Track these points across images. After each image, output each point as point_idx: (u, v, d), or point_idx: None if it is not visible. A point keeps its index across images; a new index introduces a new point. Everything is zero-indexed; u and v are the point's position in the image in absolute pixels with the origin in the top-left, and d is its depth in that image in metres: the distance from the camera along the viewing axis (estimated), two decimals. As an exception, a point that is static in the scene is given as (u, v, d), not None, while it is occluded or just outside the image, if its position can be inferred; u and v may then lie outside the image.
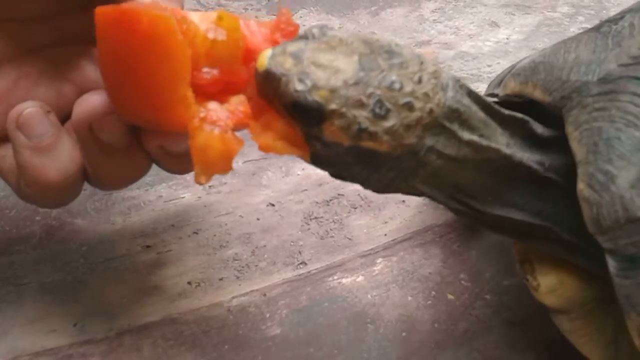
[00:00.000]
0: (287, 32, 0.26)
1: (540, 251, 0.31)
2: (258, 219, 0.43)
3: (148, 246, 0.40)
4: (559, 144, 0.28)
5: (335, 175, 0.27)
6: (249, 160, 0.48)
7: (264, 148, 0.25)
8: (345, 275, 0.39)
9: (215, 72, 0.25)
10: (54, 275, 0.38)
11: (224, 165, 0.24)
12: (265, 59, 0.24)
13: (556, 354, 0.35)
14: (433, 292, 0.38)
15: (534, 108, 0.30)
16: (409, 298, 0.37)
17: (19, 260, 0.39)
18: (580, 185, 0.25)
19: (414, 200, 0.44)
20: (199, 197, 0.44)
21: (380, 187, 0.27)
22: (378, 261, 0.40)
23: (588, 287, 0.30)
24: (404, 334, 0.36)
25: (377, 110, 0.24)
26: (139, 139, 0.28)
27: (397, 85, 0.24)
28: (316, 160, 0.26)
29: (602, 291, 0.29)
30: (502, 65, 0.57)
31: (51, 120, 0.28)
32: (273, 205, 0.44)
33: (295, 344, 0.35)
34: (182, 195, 0.44)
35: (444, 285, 0.38)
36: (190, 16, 0.25)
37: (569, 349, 0.32)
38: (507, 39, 0.63)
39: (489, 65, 0.58)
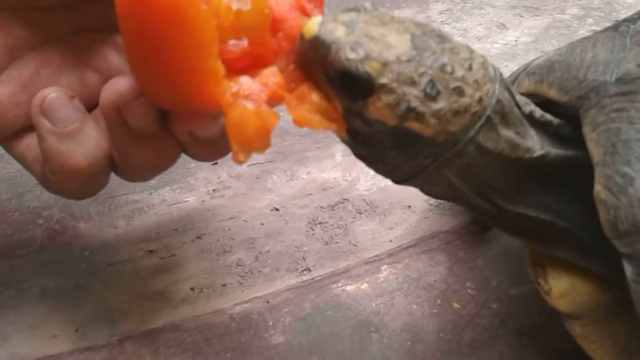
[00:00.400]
0: (316, 1, 0.25)
1: (553, 256, 0.30)
2: (262, 224, 0.42)
3: (151, 251, 0.40)
4: (575, 145, 0.27)
5: (365, 157, 0.26)
6: (254, 164, 0.47)
7: (299, 121, 0.24)
8: (350, 283, 0.38)
9: (243, 44, 0.23)
10: (56, 280, 0.38)
11: (261, 141, 0.23)
12: (314, 24, 0.23)
13: (564, 364, 0.34)
14: (438, 301, 0.37)
15: (549, 108, 0.29)
16: (414, 306, 0.37)
17: (21, 265, 0.39)
18: (597, 188, 0.25)
19: (419, 206, 0.44)
20: (203, 201, 0.44)
21: (408, 176, 0.26)
22: (383, 268, 0.39)
23: (601, 292, 0.29)
24: (408, 343, 0.35)
25: (429, 90, 0.23)
26: (168, 125, 0.28)
27: (449, 68, 0.23)
28: (352, 138, 0.25)
29: (616, 296, 0.29)
30: (510, 67, 0.57)
31: (75, 106, 0.28)
32: (277, 209, 0.44)
33: (298, 353, 0.34)
34: (186, 199, 0.44)
35: (449, 294, 0.37)
36: None
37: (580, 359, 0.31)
38: (516, 41, 0.62)
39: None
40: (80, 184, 0.29)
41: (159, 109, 0.27)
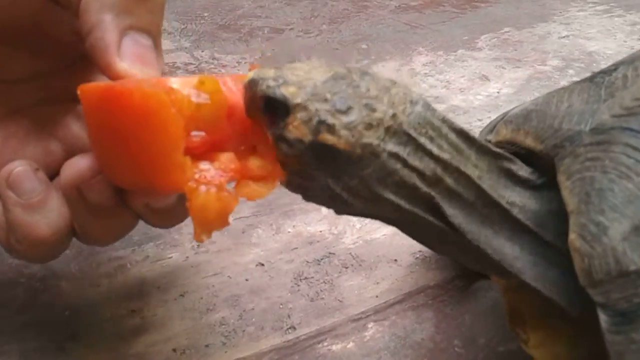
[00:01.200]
0: None
1: (531, 304, 0.30)
2: (247, 280, 0.42)
3: (133, 310, 0.39)
4: (550, 194, 0.28)
5: (300, 188, 0.27)
6: (239, 218, 0.47)
7: (249, 196, 0.25)
8: (336, 342, 0.37)
9: (202, 134, 0.26)
10: (36, 342, 0.37)
11: (222, 221, 0.25)
12: (251, 73, 0.25)
13: None
14: None
15: (526, 157, 0.30)
16: (401, 365, 0.36)
17: (1, 325, 0.38)
18: (572, 236, 0.25)
19: (406, 260, 0.44)
20: (187, 257, 0.43)
21: (347, 203, 0.27)
22: (369, 326, 0.39)
23: (578, 344, 0.29)
24: (396, 404, 0.34)
25: (339, 106, 0.25)
26: (124, 199, 0.29)
27: (363, 89, 0.25)
28: (286, 171, 0.26)
29: (594, 347, 0.28)
30: (492, 119, 0.57)
31: (40, 178, 0.29)
32: (262, 264, 0.43)
33: (283, 417, 0.34)
34: (170, 255, 0.43)
35: (437, 352, 0.37)
36: (173, 84, 0.25)
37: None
38: (498, 92, 0.63)
39: (479, 120, 0.58)
40: (43, 251, 0.30)
41: (120, 187, 0.28)
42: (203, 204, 0.24)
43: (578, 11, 0.84)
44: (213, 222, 0.25)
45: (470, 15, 0.82)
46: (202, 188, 0.24)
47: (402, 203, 0.27)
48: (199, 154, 0.26)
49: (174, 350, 0.37)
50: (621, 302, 0.24)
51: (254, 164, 0.26)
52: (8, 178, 0.28)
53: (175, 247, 0.44)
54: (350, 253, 0.44)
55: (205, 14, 0.81)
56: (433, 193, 0.27)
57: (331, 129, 0.24)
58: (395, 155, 0.26)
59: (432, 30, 0.77)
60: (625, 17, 0.83)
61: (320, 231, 0.46)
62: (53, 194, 0.29)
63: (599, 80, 0.30)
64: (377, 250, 0.45)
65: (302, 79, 0.25)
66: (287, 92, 0.24)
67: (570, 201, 0.26)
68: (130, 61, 0.26)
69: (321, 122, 0.24)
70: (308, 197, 0.28)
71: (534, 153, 0.30)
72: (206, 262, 0.43)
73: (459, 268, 0.43)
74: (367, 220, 0.47)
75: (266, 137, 0.25)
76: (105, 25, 0.25)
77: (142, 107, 0.24)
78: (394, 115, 0.25)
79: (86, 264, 0.43)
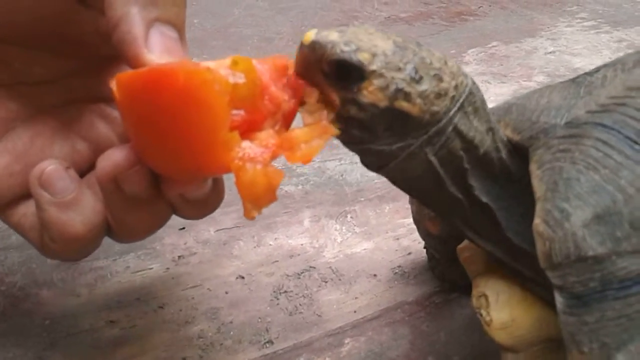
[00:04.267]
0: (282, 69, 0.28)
1: (496, 287, 0.32)
2: (226, 292, 0.42)
3: (112, 321, 0.40)
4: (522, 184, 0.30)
5: (358, 142, 0.28)
6: (222, 229, 0.47)
7: (305, 158, 0.26)
8: (312, 357, 0.38)
9: (242, 112, 0.26)
10: (15, 350, 0.37)
11: (270, 196, 0.25)
12: (311, 33, 0.26)
13: None
14: (400, 376, 0.37)
15: None
16: (376, 382, 0.37)
17: (-21, 334, 0.38)
18: (537, 220, 0.26)
19: (385, 275, 0.44)
20: (168, 268, 0.44)
21: (393, 158, 0.28)
22: (346, 341, 0.39)
23: (541, 328, 0.30)
24: (369, 420, 0.35)
25: (413, 75, 0.26)
26: (160, 189, 0.29)
27: (428, 60, 0.27)
28: (347, 127, 0.27)
29: (555, 334, 0.29)
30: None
31: (71, 176, 0.29)
32: (243, 277, 0.44)
33: None
34: (150, 266, 0.44)
35: (411, 369, 0.37)
36: (209, 65, 0.25)
37: None
38: (483, 107, 0.63)
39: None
40: (79, 248, 0.30)
41: (152, 175, 0.28)
42: (251, 180, 0.25)
43: (566, 26, 0.85)
44: (262, 197, 0.25)
45: (458, 28, 0.83)
46: (249, 165, 0.25)
47: (439, 168, 0.28)
48: (239, 133, 0.26)
49: (151, 362, 0.37)
50: (577, 285, 0.24)
51: (297, 133, 0.26)
52: (40, 177, 0.29)
53: (156, 258, 0.44)
54: (330, 267, 0.45)
55: (195, 21, 0.82)
56: (465, 158, 0.28)
57: (407, 96, 0.26)
58: (450, 121, 0.27)
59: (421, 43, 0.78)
60: (612, 33, 0.84)
61: (302, 244, 0.47)
62: (85, 191, 0.30)
63: (580, 80, 0.31)
64: (357, 265, 0.45)
65: (370, 46, 0.26)
66: (363, 57, 0.26)
67: (539, 189, 0.27)
68: (158, 53, 0.26)
69: (399, 90, 0.26)
70: (353, 145, 0.28)
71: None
72: (186, 274, 0.43)
73: (437, 283, 0.43)
74: (349, 235, 0.48)
75: (325, 96, 0.27)
76: (131, 18, 0.26)
77: (186, 87, 0.24)
78: (456, 87, 0.27)
79: (67, 274, 0.43)
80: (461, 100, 0.28)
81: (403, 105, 0.26)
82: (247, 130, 0.26)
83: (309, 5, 0.89)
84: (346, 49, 0.26)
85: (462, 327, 0.40)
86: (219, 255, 0.45)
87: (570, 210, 0.25)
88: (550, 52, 0.77)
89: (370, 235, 0.48)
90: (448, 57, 0.28)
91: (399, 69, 0.26)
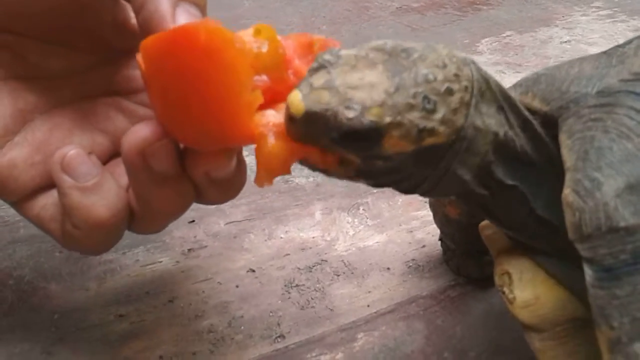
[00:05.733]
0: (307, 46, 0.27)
1: (520, 265, 0.31)
2: (237, 286, 0.41)
3: (121, 315, 0.39)
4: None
5: (383, 184, 0.27)
6: (232, 222, 0.47)
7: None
8: (324, 352, 0.37)
9: (266, 79, 0.25)
10: (23, 345, 0.37)
11: (285, 169, 0.25)
12: (298, 101, 0.23)
13: None
14: (415, 371, 0.36)
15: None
16: (390, 377, 0.36)
17: (-13, 328, 0.38)
18: (566, 191, 0.25)
19: (398, 268, 0.43)
20: (177, 262, 0.43)
21: (431, 186, 0.27)
22: (359, 336, 0.38)
23: (565, 307, 0.29)
24: (383, 417, 0.34)
25: (427, 106, 0.24)
26: (186, 169, 0.29)
27: (431, 77, 0.24)
28: (373, 175, 0.26)
29: (578, 313, 0.29)
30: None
31: (94, 161, 0.29)
32: (254, 271, 0.43)
33: None
34: (160, 260, 0.43)
35: (426, 365, 0.36)
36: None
37: None
38: (498, 98, 0.62)
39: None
40: (102, 236, 0.30)
41: (179, 152, 0.28)
42: (270, 150, 0.24)
43: (581, 15, 0.83)
44: (277, 168, 0.24)
45: (471, 17, 0.82)
46: (270, 134, 0.24)
47: (465, 171, 0.26)
48: (264, 102, 0.25)
49: (161, 357, 0.36)
50: (608, 257, 0.23)
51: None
52: (63, 161, 0.28)
53: (165, 252, 0.43)
54: (342, 260, 0.44)
55: (205, 12, 0.81)
56: (490, 150, 0.26)
57: (432, 131, 0.24)
58: (469, 124, 0.25)
59: (433, 33, 0.77)
60: (629, 22, 0.82)
61: (313, 237, 0.46)
62: (108, 176, 0.29)
63: (612, 51, 0.30)
64: (369, 258, 0.44)
65: (369, 93, 0.23)
66: (372, 115, 0.23)
67: (568, 158, 0.26)
68: None
69: (421, 130, 0.24)
70: (377, 184, 0.27)
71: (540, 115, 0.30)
72: (197, 267, 0.43)
73: (452, 276, 0.43)
74: (361, 227, 0.47)
75: (337, 155, 0.25)
76: None
77: (207, 45, 0.24)
78: (465, 88, 0.25)
79: (76, 267, 0.42)
80: (474, 99, 0.25)
81: (430, 141, 0.24)
82: (272, 100, 0.25)
83: (319, -4, 0.87)
84: (351, 114, 0.23)
85: (479, 321, 0.39)
86: (229, 249, 0.44)
87: (601, 179, 0.24)
88: (566, 42, 0.75)
89: (383, 228, 0.47)
90: (440, 50, 0.25)
91: (412, 107, 0.24)
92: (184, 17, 0.26)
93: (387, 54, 0.24)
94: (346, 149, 0.24)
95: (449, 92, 0.24)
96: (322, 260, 0.44)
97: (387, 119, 0.23)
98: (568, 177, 0.25)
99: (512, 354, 0.37)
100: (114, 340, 0.38)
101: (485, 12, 0.83)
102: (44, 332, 0.38)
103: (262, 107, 0.25)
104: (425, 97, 0.24)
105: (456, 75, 0.25)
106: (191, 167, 0.28)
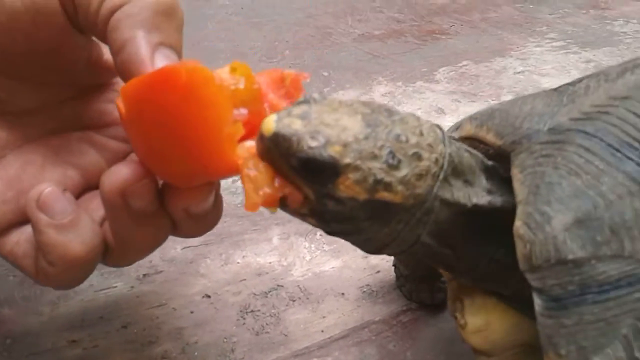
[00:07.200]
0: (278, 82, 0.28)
1: (472, 292, 0.32)
2: (192, 312, 0.42)
3: (74, 340, 0.39)
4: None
5: (338, 233, 0.27)
6: (188, 247, 0.47)
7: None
8: (277, 378, 0.38)
9: (244, 112, 0.26)
10: (-29, 372, 0.37)
11: (270, 198, 0.26)
12: (271, 122, 0.24)
13: None
14: (366, 396, 0.37)
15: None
16: (341, 403, 0.37)
17: None
18: (517, 223, 0.26)
19: (353, 294, 0.44)
20: (132, 287, 0.43)
21: (383, 244, 0.27)
22: (312, 362, 0.39)
23: (515, 333, 0.31)
24: None
25: (390, 161, 0.25)
26: (164, 205, 0.29)
27: (403, 138, 0.25)
28: (322, 219, 0.26)
29: (529, 339, 0.30)
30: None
31: (68, 199, 0.30)
32: (209, 296, 0.43)
33: None
34: (114, 285, 0.43)
35: (376, 390, 0.37)
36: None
37: None
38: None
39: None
40: (77, 272, 0.30)
41: (157, 189, 0.29)
42: (254, 175, 0.25)
43: (535, 46, 0.86)
44: (262, 189, 0.25)
45: (430, 46, 0.84)
46: (251, 161, 0.25)
47: (432, 240, 0.28)
48: (244, 133, 0.26)
49: (113, 383, 0.37)
50: (556, 288, 0.25)
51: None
52: (38, 200, 0.29)
53: (120, 277, 0.44)
54: (298, 285, 0.45)
55: (169, 34, 0.81)
56: (456, 220, 0.28)
57: (388, 186, 0.25)
58: (435, 196, 0.26)
59: (393, 61, 0.79)
60: (581, 54, 0.85)
61: (270, 262, 0.46)
62: (83, 213, 0.30)
63: (563, 89, 0.32)
64: (325, 284, 0.45)
65: (339, 133, 0.24)
66: (334, 152, 0.24)
67: (520, 192, 0.27)
68: None
69: (378, 182, 0.25)
70: (331, 232, 0.28)
71: (493, 150, 0.31)
72: (151, 292, 0.43)
73: (405, 302, 0.44)
74: (318, 252, 0.48)
75: (296, 186, 0.26)
76: (138, 41, 0.27)
77: (189, 84, 0.25)
78: (436, 161, 0.26)
79: (30, 291, 0.42)
80: (442, 174, 0.26)
81: (384, 195, 0.25)
82: (251, 132, 0.26)
83: (283, 21, 0.89)
84: (314, 144, 0.24)
85: (429, 346, 0.40)
86: (185, 274, 0.45)
87: (551, 213, 0.25)
88: (519, 72, 0.78)
89: (339, 253, 0.48)
90: (423, 122, 0.27)
91: (375, 157, 0.24)
92: (162, 61, 0.27)
93: (370, 109, 0.26)
94: (303, 179, 0.25)
95: (418, 157, 0.25)
96: (278, 285, 0.45)
97: (347, 160, 0.24)
98: (520, 210, 0.27)
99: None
100: (66, 366, 0.38)
101: (443, 42, 0.86)
102: (-5, 358, 0.38)
103: (242, 139, 0.26)
104: (391, 153, 0.25)
105: (430, 146, 0.26)
106: (171, 204, 0.29)
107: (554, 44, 0.88)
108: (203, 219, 0.30)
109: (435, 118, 0.65)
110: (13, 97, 0.31)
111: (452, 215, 0.27)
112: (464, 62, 0.80)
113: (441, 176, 0.26)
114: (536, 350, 0.27)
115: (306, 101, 0.26)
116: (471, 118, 0.33)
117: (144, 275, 0.44)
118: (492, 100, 0.70)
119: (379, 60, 0.79)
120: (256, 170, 0.26)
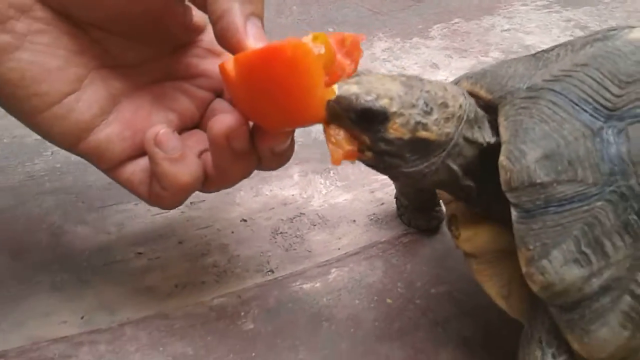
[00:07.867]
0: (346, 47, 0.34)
1: (463, 210, 0.41)
2: (232, 232, 0.51)
3: (140, 253, 0.48)
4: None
5: (392, 167, 0.35)
6: (224, 180, 0.56)
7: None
8: (306, 282, 0.47)
9: (326, 77, 0.33)
10: (62, 275, 0.46)
11: (350, 152, 0.34)
12: (334, 89, 0.32)
13: (470, 347, 0.44)
14: (375, 297, 0.47)
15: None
16: (356, 301, 0.46)
17: (31, 262, 0.46)
18: (501, 158, 0.34)
19: (362, 221, 0.54)
20: (183, 212, 0.52)
21: (422, 175, 0.36)
22: (332, 271, 0.48)
23: (495, 241, 0.40)
24: (351, 329, 0.44)
25: (425, 108, 0.33)
26: (255, 145, 0.36)
27: (433, 93, 0.34)
28: (380, 157, 0.34)
29: (504, 245, 0.38)
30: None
31: (177, 137, 0.37)
32: (245, 220, 0.52)
33: (265, 336, 0.43)
34: (168, 210, 0.52)
35: (384, 292, 0.47)
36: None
37: (480, 344, 0.41)
38: (445, 79, 0.72)
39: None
40: (183, 195, 0.38)
41: (251, 133, 0.36)
42: (337, 130, 0.33)
43: (521, 5, 0.94)
44: (342, 145, 0.33)
45: (426, 4, 0.91)
46: (333, 128, 0.33)
47: (457, 168, 0.36)
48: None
49: (176, 285, 0.46)
50: (527, 203, 0.33)
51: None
52: (155, 138, 0.36)
53: (172, 203, 0.52)
54: (317, 214, 0.54)
55: None
56: (478, 154, 0.36)
57: (425, 126, 0.33)
58: (461, 134, 0.35)
59: (392, 17, 0.86)
60: (562, 13, 0.93)
61: (293, 195, 0.55)
62: (188, 149, 0.37)
63: (539, 56, 0.40)
64: (339, 212, 0.54)
65: (385, 91, 0.33)
66: (384, 103, 0.32)
67: (504, 134, 0.35)
68: (253, 39, 0.33)
69: (417, 123, 0.33)
70: (390, 174, 0.37)
71: (483, 102, 0.40)
72: (199, 217, 0.52)
73: (405, 227, 0.53)
74: (332, 188, 0.57)
75: (355, 137, 0.34)
76: (234, 11, 0.33)
77: (293, 57, 0.31)
78: (460, 107, 0.35)
79: (97, 215, 0.51)
80: (465, 117, 0.35)
81: (423, 134, 0.34)
82: (326, 86, 0.32)
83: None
84: (369, 98, 0.32)
85: (423, 261, 0.50)
86: (224, 202, 0.54)
87: (526, 150, 0.33)
88: (506, 30, 0.86)
89: (350, 188, 0.57)
90: (445, 82, 0.35)
91: (414, 106, 0.33)
92: (253, 29, 0.33)
93: (405, 77, 0.35)
94: (360, 129, 0.33)
95: (445, 105, 0.34)
96: (301, 213, 0.54)
97: (394, 109, 0.33)
98: (503, 148, 0.35)
99: (448, 284, 0.47)
100: (137, 272, 0.47)
101: (438, 0, 0.93)
102: (78, 266, 0.47)
103: None
104: (425, 102, 0.34)
105: (453, 97, 0.35)
106: (260, 144, 0.36)
107: (538, 3, 0.95)
108: (282, 156, 0.37)
109: (430, 72, 0.73)
110: (124, 53, 0.38)
111: (473, 151, 0.36)
112: (456, 20, 0.87)
113: (464, 119, 0.35)
114: (508, 255, 0.36)
115: (358, 75, 0.34)
116: (467, 77, 0.42)
117: (191, 202, 0.53)
118: (481, 56, 0.78)
119: (379, 17, 0.86)
120: (337, 132, 0.33)
